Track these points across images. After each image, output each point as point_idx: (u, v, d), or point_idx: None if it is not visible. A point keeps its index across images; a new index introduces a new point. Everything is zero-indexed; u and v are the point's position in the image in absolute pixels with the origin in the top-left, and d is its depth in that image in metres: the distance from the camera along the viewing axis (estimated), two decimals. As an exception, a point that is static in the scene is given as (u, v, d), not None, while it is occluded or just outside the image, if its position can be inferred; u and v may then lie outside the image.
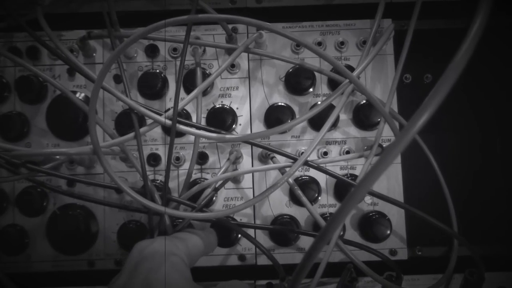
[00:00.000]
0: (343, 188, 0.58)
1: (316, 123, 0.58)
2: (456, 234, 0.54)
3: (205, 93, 0.58)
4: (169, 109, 0.56)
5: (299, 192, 0.55)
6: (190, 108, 0.58)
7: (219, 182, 0.56)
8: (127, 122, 0.56)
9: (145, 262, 0.40)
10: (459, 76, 0.24)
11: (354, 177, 0.58)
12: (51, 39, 0.54)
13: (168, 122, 0.50)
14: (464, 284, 0.53)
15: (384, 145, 0.57)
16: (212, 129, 0.52)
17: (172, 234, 0.49)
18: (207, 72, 0.58)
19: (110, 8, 0.54)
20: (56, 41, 0.54)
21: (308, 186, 0.57)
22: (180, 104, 0.50)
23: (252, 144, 0.54)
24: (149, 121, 0.52)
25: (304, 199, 0.54)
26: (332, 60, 0.50)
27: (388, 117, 0.52)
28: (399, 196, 0.58)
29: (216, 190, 0.55)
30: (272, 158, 0.56)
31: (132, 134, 0.51)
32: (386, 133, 0.57)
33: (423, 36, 0.59)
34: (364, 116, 0.58)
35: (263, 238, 0.58)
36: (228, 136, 0.51)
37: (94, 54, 0.59)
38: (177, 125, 0.50)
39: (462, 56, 0.24)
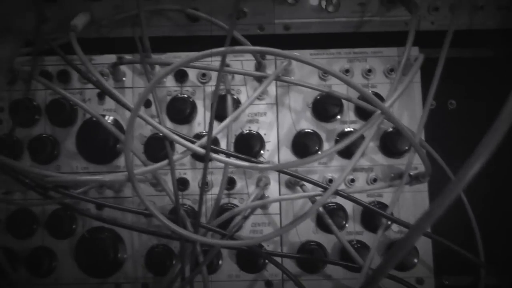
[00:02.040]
0: (370, 216, 0.58)
1: (343, 150, 0.58)
2: (483, 263, 0.55)
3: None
4: (199, 134, 0.58)
5: (329, 221, 0.55)
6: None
7: (249, 210, 0.56)
8: (157, 146, 0.57)
9: None
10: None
11: (381, 204, 0.58)
12: (84, 63, 0.54)
13: (202, 150, 0.51)
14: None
15: (411, 173, 0.58)
16: (243, 156, 0.53)
17: None
18: (235, 97, 0.59)
19: (143, 34, 0.54)
20: (88, 65, 0.54)
21: (336, 214, 0.57)
22: (213, 132, 0.51)
23: (283, 172, 0.55)
24: (180, 147, 0.53)
25: (334, 227, 0.55)
26: (363, 91, 0.50)
27: (418, 148, 0.53)
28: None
29: (245, 218, 0.56)
30: (301, 186, 0.56)
31: (165, 162, 0.52)
32: (414, 160, 0.58)
33: (448, 63, 0.59)
34: (391, 144, 0.58)
35: (289, 264, 0.58)
36: (260, 165, 0.52)
37: (124, 79, 0.60)
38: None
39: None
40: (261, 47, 0.48)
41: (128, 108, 0.54)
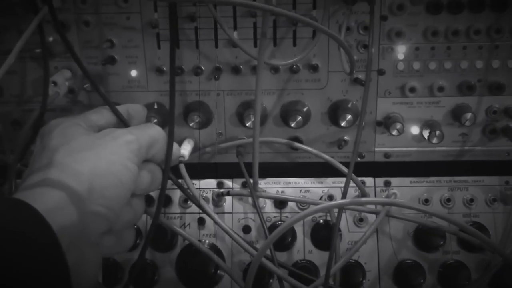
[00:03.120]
0: None
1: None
2: None
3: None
4: (298, 262, 0.57)
5: None
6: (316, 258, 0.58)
7: None
8: (260, 277, 0.57)
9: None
10: None
11: None
12: (189, 187, 0.55)
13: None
14: None
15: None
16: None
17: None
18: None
19: (253, 168, 0.54)
20: (194, 191, 0.55)
21: None
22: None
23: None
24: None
25: None
26: (481, 237, 0.49)
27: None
28: None
29: None
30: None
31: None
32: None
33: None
34: (502, 283, 0.57)
35: None
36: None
37: (224, 204, 0.61)
38: None
39: None
40: (379, 198, 0.48)
41: (248, 251, 0.53)
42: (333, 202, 0.45)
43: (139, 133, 0.42)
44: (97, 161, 0.37)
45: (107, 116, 0.45)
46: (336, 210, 0.53)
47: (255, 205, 0.56)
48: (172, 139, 0.45)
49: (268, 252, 0.51)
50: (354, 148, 0.51)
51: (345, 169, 0.57)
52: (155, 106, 0.59)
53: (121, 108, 0.46)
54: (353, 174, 0.53)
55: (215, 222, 0.53)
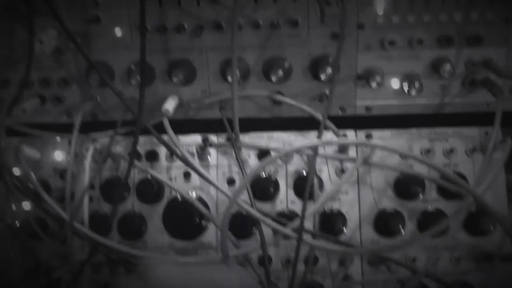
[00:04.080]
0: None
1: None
2: None
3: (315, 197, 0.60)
4: (281, 212, 0.59)
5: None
6: (298, 209, 0.60)
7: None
8: (242, 224, 0.59)
9: None
10: None
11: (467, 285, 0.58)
12: (175, 144, 0.57)
13: (294, 235, 0.52)
14: None
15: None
16: (333, 237, 0.55)
17: None
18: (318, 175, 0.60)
19: (233, 119, 0.57)
20: (179, 145, 0.57)
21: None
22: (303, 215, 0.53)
23: (373, 255, 0.56)
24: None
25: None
26: (456, 180, 0.51)
27: (510, 229, 0.53)
28: None
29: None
30: (389, 267, 0.57)
31: (257, 245, 0.53)
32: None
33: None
34: (476, 224, 0.58)
35: None
36: (352, 250, 0.53)
37: (208, 157, 0.62)
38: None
39: None
40: (354, 139, 0.49)
41: (225, 194, 0.55)
42: (305, 143, 0.47)
43: None
44: None
45: None
46: (309, 152, 0.54)
47: (235, 155, 0.58)
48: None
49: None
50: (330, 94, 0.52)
51: (333, 127, 0.58)
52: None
53: None
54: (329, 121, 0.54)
55: (192, 168, 0.55)
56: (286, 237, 0.58)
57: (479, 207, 0.57)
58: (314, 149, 0.53)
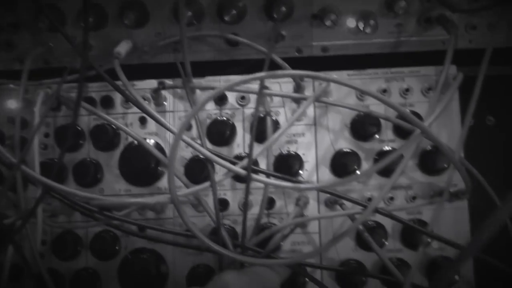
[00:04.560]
0: (410, 233, 0.58)
1: (382, 169, 0.59)
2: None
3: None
4: (238, 156, 0.59)
5: (369, 238, 0.55)
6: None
7: (288, 228, 0.57)
8: (198, 168, 0.58)
9: None
10: None
11: (421, 222, 0.58)
12: (127, 88, 0.56)
13: (243, 172, 0.52)
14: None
15: (451, 191, 0.58)
16: (284, 176, 0.54)
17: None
18: (274, 119, 0.60)
19: (185, 60, 0.56)
20: (131, 90, 0.56)
21: (376, 232, 0.57)
22: (254, 154, 0.52)
23: (323, 192, 0.55)
24: (219, 168, 0.55)
25: (374, 245, 0.55)
26: (402, 110, 0.50)
27: (458, 165, 0.53)
28: (466, 241, 0.58)
29: (285, 236, 0.56)
30: (341, 205, 0.57)
31: (207, 184, 0.53)
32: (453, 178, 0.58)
33: (486, 81, 0.59)
34: (430, 162, 0.58)
35: (331, 284, 0.58)
36: (302, 185, 0.52)
37: (164, 103, 0.62)
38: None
39: None
40: (300, 71, 0.48)
41: (171, 131, 0.55)
42: (251, 75, 0.46)
43: None
44: None
45: None
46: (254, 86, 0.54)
47: (187, 96, 0.57)
48: None
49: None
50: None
51: (286, 65, 0.58)
52: None
53: None
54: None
55: (156, 121, 0.55)
56: (240, 179, 0.58)
57: (432, 143, 0.57)
58: (263, 86, 0.53)
